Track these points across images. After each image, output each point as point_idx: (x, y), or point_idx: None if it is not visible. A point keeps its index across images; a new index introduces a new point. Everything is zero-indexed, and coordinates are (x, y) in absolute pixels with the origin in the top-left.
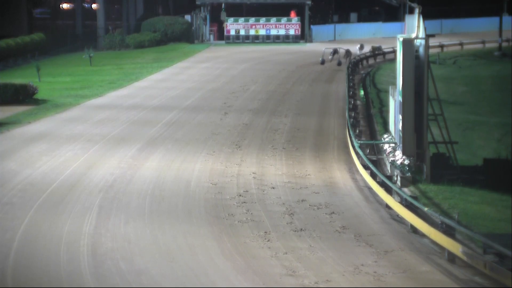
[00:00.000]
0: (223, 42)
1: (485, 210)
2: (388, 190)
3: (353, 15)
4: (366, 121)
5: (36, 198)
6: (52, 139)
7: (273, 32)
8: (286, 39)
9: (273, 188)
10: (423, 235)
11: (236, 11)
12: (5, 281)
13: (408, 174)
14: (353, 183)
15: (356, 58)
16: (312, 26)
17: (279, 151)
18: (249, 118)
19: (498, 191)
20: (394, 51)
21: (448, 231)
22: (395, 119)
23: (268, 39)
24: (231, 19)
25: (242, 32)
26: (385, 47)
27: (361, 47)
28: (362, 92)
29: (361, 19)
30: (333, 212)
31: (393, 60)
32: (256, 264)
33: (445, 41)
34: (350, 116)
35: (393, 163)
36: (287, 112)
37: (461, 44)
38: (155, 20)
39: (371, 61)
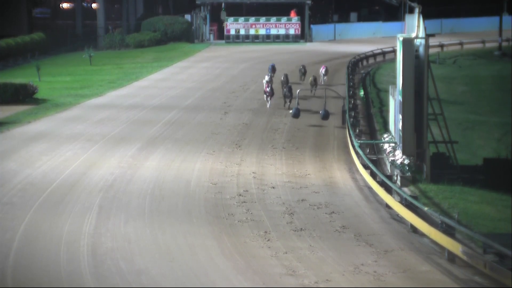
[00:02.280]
0: (223, 41)
1: (485, 210)
2: (388, 189)
3: (353, 15)
4: (366, 120)
5: (36, 198)
6: (52, 139)
7: (273, 31)
8: (286, 38)
9: (273, 187)
10: (423, 235)
11: (236, 11)
12: (5, 281)
13: (408, 174)
14: (353, 182)
15: (356, 57)
16: (312, 26)
17: (279, 151)
18: (249, 118)
19: (498, 191)
20: (394, 51)
21: (448, 231)
22: (395, 119)
23: (268, 38)
24: (231, 19)
25: (242, 32)
26: (385, 47)
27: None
28: (362, 92)
29: (361, 18)
30: (333, 212)
31: (393, 60)
32: (256, 264)
33: (445, 40)
34: (350, 116)
35: (393, 162)
36: (287, 112)
37: (461, 43)
38: (155, 19)
39: (371, 60)
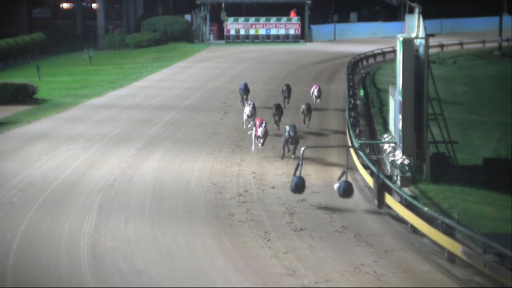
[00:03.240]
0: (223, 41)
1: (485, 210)
2: (388, 190)
3: (353, 15)
4: (366, 121)
5: (36, 198)
6: (52, 139)
7: (273, 31)
8: (286, 38)
9: (273, 187)
10: (423, 235)
11: (236, 11)
12: (5, 281)
13: (408, 174)
14: (353, 183)
15: (356, 58)
16: (312, 26)
17: (279, 151)
18: None
19: (498, 191)
20: (394, 51)
21: (448, 231)
22: (395, 119)
23: (268, 38)
24: (231, 19)
25: (242, 32)
26: (385, 47)
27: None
28: (362, 92)
29: (361, 18)
30: (333, 212)
31: (393, 60)
32: (256, 264)
33: (445, 40)
34: (350, 116)
35: (393, 163)
36: (287, 112)
37: (461, 44)
38: (155, 19)
39: (371, 60)
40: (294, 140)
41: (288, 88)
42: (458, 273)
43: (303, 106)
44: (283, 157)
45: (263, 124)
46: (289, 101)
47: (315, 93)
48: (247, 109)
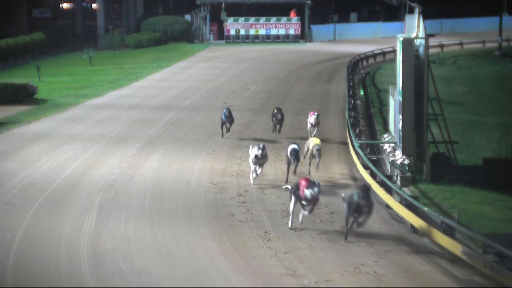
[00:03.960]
0: (223, 41)
1: (485, 210)
2: (388, 190)
3: (353, 15)
4: (366, 121)
5: (36, 198)
6: (52, 139)
7: (273, 31)
8: (286, 38)
9: (273, 187)
10: (423, 235)
11: (236, 11)
12: (5, 281)
13: (408, 174)
14: (353, 183)
15: (356, 58)
16: (312, 26)
17: (280, 151)
18: (249, 118)
19: (498, 191)
20: (394, 51)
21: (448, 231)
22: (395, 119)
23: (268, 38)
24: (231, 19)
25: (242, 32)
26: (385, 47)
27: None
28: (362, 92)
29: (361, 19)
30: (333, 212)
31: (393, 60)
32: (256, 264)
33: (445, 41)
34: (350, 116)
35: (393, 163)
36: (287, 112)
37: (461, 44)
38: (155, 19)
39: (371, 60)
40: (366, 213)
41: (280, 113)
42: (458, 273)
43: (310, 145)
44: (346, 236)
45: (316, 189)
46: (281, 128)
47: (312, 121)
48: (256, 151)
